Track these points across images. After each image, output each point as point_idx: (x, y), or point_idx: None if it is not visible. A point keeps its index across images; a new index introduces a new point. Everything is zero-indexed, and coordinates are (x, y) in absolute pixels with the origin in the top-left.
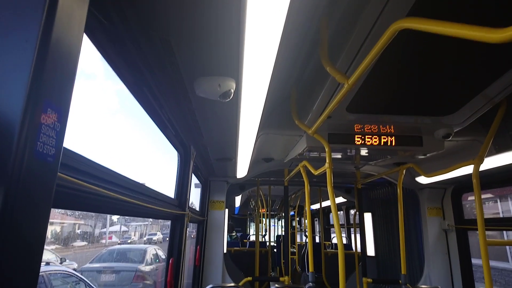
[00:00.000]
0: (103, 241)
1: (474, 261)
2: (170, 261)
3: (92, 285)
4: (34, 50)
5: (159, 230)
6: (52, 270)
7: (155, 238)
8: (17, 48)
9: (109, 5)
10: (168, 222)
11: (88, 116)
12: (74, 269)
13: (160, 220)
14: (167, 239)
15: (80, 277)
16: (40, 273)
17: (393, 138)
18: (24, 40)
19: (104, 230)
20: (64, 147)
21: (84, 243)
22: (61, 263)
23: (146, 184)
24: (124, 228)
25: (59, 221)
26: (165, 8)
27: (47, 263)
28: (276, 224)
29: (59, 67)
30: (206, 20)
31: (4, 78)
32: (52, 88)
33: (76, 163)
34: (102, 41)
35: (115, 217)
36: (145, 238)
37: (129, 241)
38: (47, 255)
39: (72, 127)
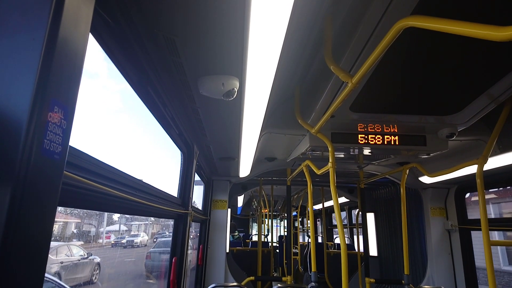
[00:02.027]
0: (100, 240)
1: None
2: (173, 260)
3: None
4: (41, 49)
5: (154, 230)
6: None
7: (137, 240)
8: (25, 47)
9: (115, 5)
10: (167, 222)
11: (92, 115)
12: (98, 263)
13: (162, 220)
14: (155, 240)
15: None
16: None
17: (396, 137)
18: (31, 39)
19: (103, 229)
20: (70, 146)
21: (81, 242)
22: (87, 257)
23: (150, 183)
24: (124, 228)
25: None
26: (170, 7)
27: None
28: (278, 225)
29: (66, 66)
30: (210, 19)
31: (12, 76)
32: (58, 86)
33: (81, 162)
34: (107, 40)
35: (115, 216)
36: (124, 241)
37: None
38: (75, 250)
39: (76, 125)
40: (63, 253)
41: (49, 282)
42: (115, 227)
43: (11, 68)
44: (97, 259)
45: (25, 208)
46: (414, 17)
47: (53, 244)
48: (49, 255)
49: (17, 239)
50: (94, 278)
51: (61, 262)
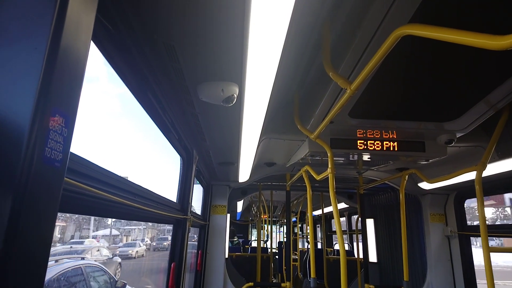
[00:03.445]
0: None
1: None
2: (172, 266)
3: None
4: (43, 58)
5: (149, 237)
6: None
7: (132, 252)
8: (26, 56)
9: (115, 13)
10: (163, 227)
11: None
12: (120, 263)
13: (158, 224)
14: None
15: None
16: (77, 266)
17: (395, 143)
18: (33, 48)
19: (94, 233)
20: (70, 152)
21: (107, 244)
22: (112, 257)
23: (149, 188)
24: (115, 232)
25: None
26: (169, 14)
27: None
28: (278, 231)
29: (67, 74)
30: (210, 25)
31: (14, 85)
32: (60, 94)
33: (81, 168)
34: (108, 47)
35: (109, 220)
36: (117, 252)
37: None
38: (104, 252)
39: (76, 131)
40: (95, 253)
41: (98, 269)
42: (105, 231)
43: (13, 77)
44: (119, 260)
45: (26, 215)
46: (411, 26)
47: (86, 246)
48: (85, 255)
49: (18, 245)
50: (116, 275)
51: (95, 260)
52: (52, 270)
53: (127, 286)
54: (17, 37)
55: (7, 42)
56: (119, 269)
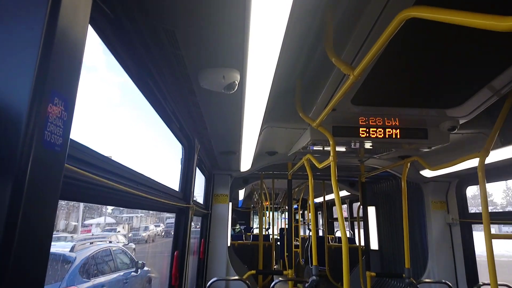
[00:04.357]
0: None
1: None
2: (175, 254)
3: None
4: (40, 41)
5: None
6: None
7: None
8: (23, 39)
9: None
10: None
11: (92, 108)
12: (134, 248)
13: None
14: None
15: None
16: (107, 248)
17: (398, 130)
18: (29, 30)
19: (89, 221)
20: (70, 139)
21: (124, 232)
22: (128, 244)
23: (151, 177)
24: (110, 220)
25: None
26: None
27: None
28: (279, 217)
29: (65, 57)
30: (211, 11)
31: (11, 67)
32: (58, 78)
33: (82, 155)
34: (106, 32)
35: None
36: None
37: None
38: (120, 238)
39: (77, 119)
40: (113, 240)
41: (121, 251)
42: (99, 219)
43: (10, 60)
44: (133, 245)
45: (27, 201)
46: (416, 8)
47: (106, 233)
48: (106, 241)
49: (19, 233)
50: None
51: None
52: (90, 249)
53: (145, 266)
54: (13, 20)
55: (2, 24)
56: (134, 254)
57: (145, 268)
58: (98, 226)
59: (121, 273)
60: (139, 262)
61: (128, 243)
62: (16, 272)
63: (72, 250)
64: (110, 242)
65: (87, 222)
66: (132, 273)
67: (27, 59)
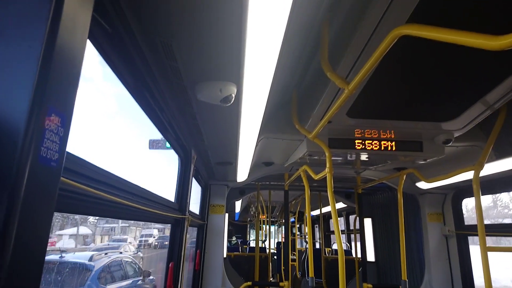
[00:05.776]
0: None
1: None
2: (170, 266)
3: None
4: (39, 57)
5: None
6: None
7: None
8: (22, 54)
9: (112, 11)
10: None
11: (88, 120)
12: (142, 257)
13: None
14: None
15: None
16: (119, 258)
17: (393, 143)
18: (29, 46)
19: (61, 231)
20: (66, 151)
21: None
22: (137, 253)
23: (147, 188)
24: (86, 231)
25: None
26: (167, 13)
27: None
28: (276, 231)
29: (64, 73)
30: (207, 24)
31: (9, 84)
32: (56, 93)
33: (77, 167)
34: (104, 46)
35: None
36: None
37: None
38: (132, 247)
39: (72, 130)
40: (125, 250)
41: (130, 261)
42: (71, 230)
43: (8, 75)
44: (141, 254)
45: (22, 216)
46: (409, 26)
47: (119, 243)
48: (119, 250)
49: (13, 247)
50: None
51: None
52: (105, 260)
53: (151, 274)
54: (13, 36)
55: (2, 41)
56: (141, 262)
57: (150, 277)
58: (72, 238)
59: (130, 281)
60: (145, 271)
61: (137, 252)
62: (10, 285)
63: (91, 259)
64: (121, 253)
65: (58, 232)
66: (139, 282)
67: (25, 76)
